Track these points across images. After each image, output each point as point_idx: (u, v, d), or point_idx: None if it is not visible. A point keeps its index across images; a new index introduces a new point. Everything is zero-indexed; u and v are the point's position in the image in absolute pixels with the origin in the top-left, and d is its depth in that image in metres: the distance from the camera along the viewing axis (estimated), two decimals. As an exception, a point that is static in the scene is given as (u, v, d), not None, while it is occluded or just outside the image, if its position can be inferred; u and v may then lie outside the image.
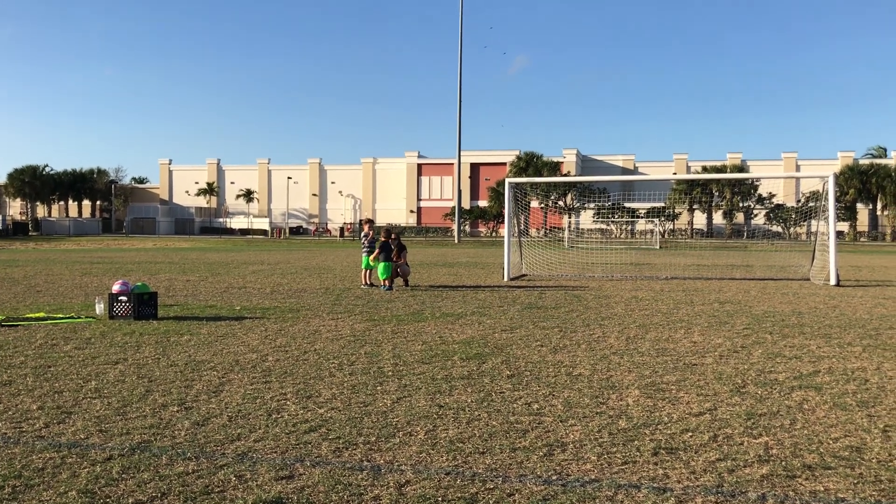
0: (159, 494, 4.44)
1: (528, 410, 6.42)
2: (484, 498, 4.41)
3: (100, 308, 12.55)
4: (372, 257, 18.01)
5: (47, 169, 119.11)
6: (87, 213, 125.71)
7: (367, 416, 6.22)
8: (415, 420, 6.09)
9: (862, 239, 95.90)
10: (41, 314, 12.67)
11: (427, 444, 5.47)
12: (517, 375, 7.86)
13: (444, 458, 5.16)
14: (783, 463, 5.07)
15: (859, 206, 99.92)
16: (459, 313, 13.21)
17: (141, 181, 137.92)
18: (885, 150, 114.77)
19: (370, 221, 20.10)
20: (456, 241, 74.43)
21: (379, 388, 7.25)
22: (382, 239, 18.09)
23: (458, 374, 7.87)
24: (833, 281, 20.06)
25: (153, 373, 7.89)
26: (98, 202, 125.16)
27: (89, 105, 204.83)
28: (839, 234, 63.18)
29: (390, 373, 7.95)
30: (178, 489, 4.52)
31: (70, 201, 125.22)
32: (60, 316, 12.46)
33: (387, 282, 17.71)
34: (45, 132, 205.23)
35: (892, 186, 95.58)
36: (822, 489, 4.59)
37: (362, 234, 19.52)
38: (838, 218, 59.13)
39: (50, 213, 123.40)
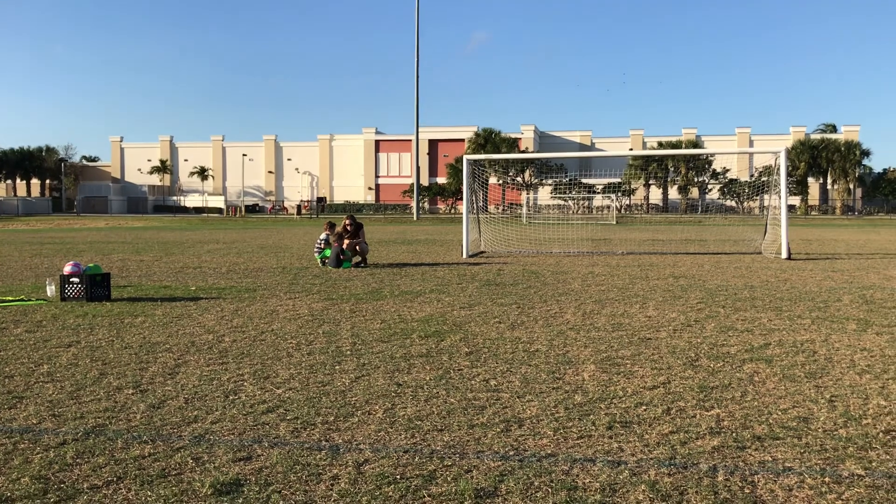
0: (115, 478, 4.40)
1: (485, 387, 6.48)
2: (442, 475, 4.46)
3: (51, 290, 12.30)
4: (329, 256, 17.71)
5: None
6: (36, 192, 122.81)
7: (325, 395, 6.22)
8: (373, 399, 6.11)
9: (813, 213, 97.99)
10: (-10, 297, 12.38)
11: (385, 422, 5.49)
12: (475, 352, 7.92)
13: (403, 436, 5.18)
14: (734, 434, 5.20)
15: (810, 180, 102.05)
16: (418, 291, 13.23)
17: (92, 159, 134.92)
18: (835, 126, 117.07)
19: (332, 225, 18.58)
20: (415, 218, 74.35)
21: (337, 367, 7.24)
22: (335, 244, 17.72)
23: (416, 352, 7.90)
24: (784, 254, 20.49)
25: (107, 355, 7.78)
26: (47, 181, 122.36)
27: (38, 82, 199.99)
28: (791, 207, 64.57)
29: (349, 352, 7.95)
30: (134, 473, 4.48)
31: (18, 180, 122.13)
32: (10, 298, 12.19)
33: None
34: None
35: (841, 161, 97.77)
36: (770, 459, 4.72)
37: (321, 237, 18.42)
38: (790, 192, 60.47)
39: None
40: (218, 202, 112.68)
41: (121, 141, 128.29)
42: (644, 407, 5.87)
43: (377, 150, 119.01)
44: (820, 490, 4.23)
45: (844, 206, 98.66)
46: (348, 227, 18.22)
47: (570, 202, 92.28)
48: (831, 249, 25.53)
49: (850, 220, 77.14)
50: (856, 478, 4.41)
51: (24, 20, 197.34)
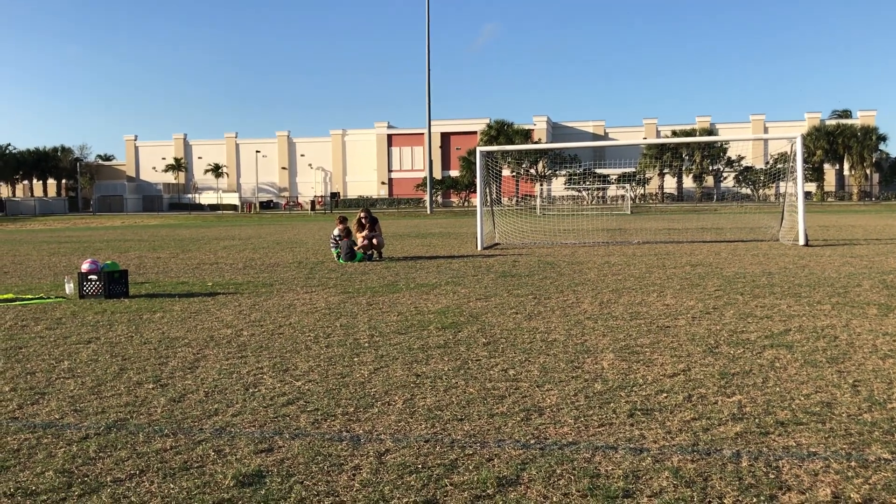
0: (137, 472, 4.42)
1: (504, 377, 6.46)
2: (463, 464, 4.44)
3: (69, 288, 12.39)
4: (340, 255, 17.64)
5: (10, 148, 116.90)
6: (52, 192, 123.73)
7: (344, 387, 6.22)
8: (392, 390, 6.11)
9: (829, 199, 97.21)
10: (10, 295, 12.47)
11: (405, 412, 5.48)
12: (493, 343, 7.90)
13: (423, 426, 5.18)
14: (756, 420, 5.15)
15: (826, 166, 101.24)
16: (434, 283, 13.22)
17: (107, 158, 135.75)
18: (850, 112, 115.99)
19: (343, 219, 18.26)
20: (428, 212, 74.35)
21: (356, 359, 7.24)
22: (345, 238, 17.62)
23: (434, 344, 7.89)
24: (802, 241, 20.32)
25: (127, 351, 7.82)
26: (63, 181, 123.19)
27: (53, 83, 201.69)
28: (807, 194, 63.94)
29: (367, 344, 7.95)
30: (156, 466, 4.50)
31: (35, 181, 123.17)
32: (29, 297, 12.28)
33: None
34: (6, 111, 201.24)
35: (857, 146, 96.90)
36: (794, 444, 4.68)
37: (334, 233, 18.16)
38: (806, 179, 59.95)
39: (14, 193, 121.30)
40: (232, 199, 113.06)
41: (135, 139, 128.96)
42: (665, 394, 5.83)
43: (390, 144, 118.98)
44: (846, 474, 4.19)
45: (861, 192, 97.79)
46: (363, 221, 18.22)
47: (584, 193, 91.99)
48: (849, 235, 25.30)
49: (868, 205, 76.46)
50: (882, 461, 4.36)
51: (41, 21, 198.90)
